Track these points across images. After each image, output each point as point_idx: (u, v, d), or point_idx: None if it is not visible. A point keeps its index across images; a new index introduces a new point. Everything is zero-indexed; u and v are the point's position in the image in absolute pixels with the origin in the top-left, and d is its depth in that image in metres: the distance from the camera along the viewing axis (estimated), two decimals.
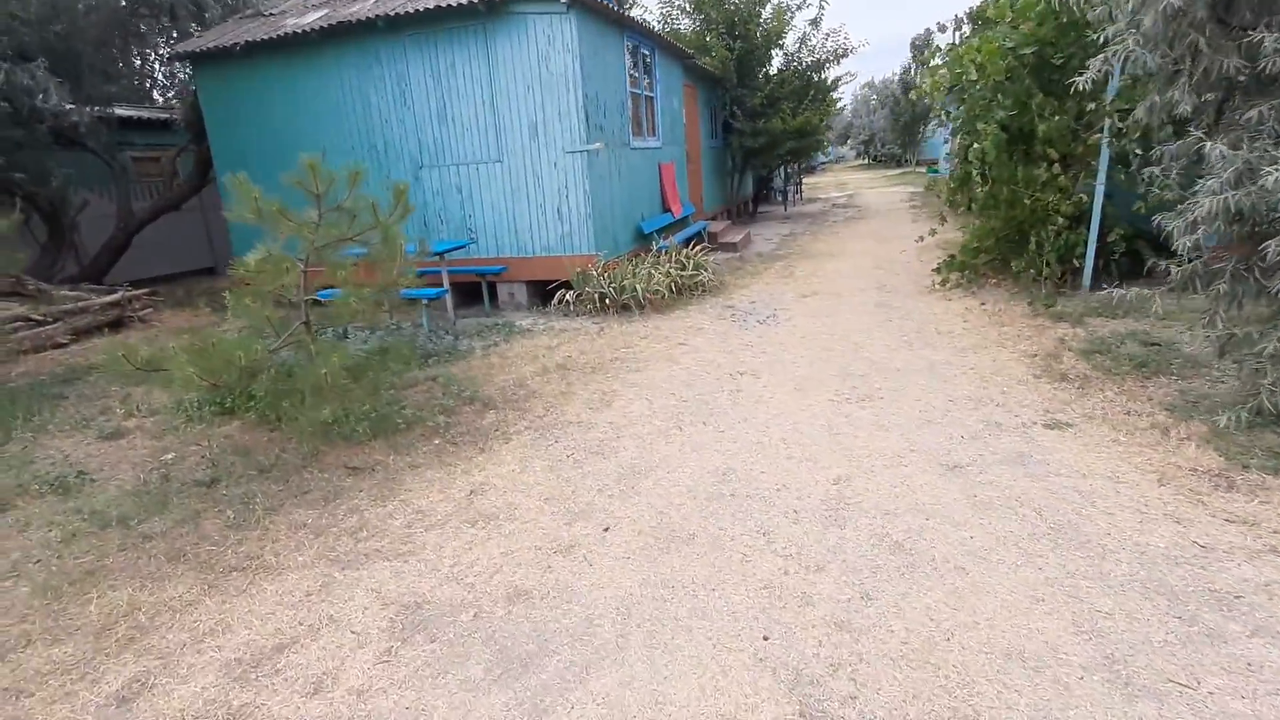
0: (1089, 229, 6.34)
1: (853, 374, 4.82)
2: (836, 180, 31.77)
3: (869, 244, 11.24)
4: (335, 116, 8.09)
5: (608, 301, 6.92)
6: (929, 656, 2.15)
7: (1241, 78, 3.21)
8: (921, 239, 9.61)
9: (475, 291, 8.13)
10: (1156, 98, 3.56)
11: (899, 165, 39.73)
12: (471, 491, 3.39)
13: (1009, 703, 1.96)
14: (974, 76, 6.16)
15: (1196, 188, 3.39)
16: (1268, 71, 3.06)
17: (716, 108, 13.52)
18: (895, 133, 37.61)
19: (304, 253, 3.99)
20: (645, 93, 9.35)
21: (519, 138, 7.44)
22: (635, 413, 4.32)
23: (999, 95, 6.23)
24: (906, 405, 4.20)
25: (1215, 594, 2.33)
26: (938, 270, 8.06)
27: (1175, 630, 2.18)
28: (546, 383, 4.94)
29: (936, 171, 26.74)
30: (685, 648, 2.25)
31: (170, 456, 4.00)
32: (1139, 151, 5.72)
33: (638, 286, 6.86)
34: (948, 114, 9.69)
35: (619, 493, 3.32)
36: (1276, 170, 2.81)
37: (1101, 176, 6.12)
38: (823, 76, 14.31)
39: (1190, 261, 3.65)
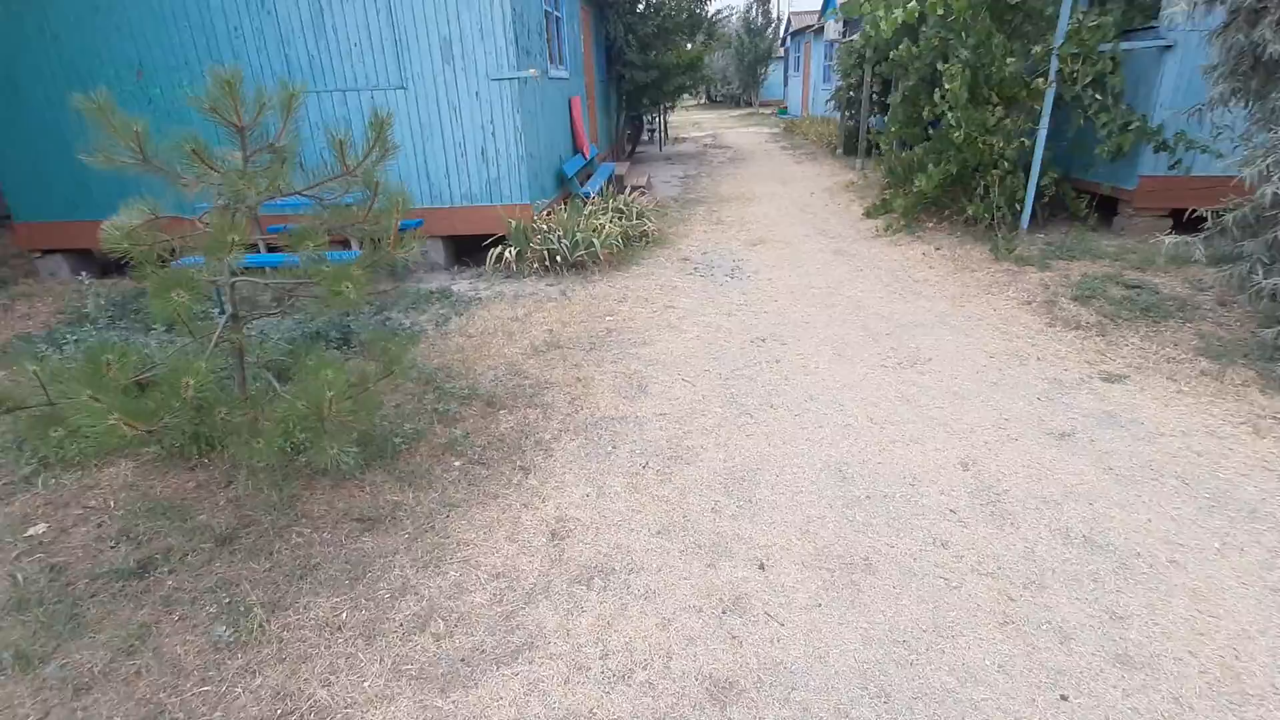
0: (1028, 173, 6.52)
1: (877, 333, 4.50)
2: (689, 120, 31.60)
3: (772, 186, 11.07)
4: (156, 23, 6.02)
5: (558, 259, 5.98)
6: (1242, 686, 1.86)
7: None
8: (852, 183, 9.57)
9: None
10: (1241, 37, 3.44)
11: (738, 106, 40.51)
12: (553, 535, 2.57)
13: None
14: (941, 12, 5.91)
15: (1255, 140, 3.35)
16: None
17: (602, 36, 12.37)
18: (739, 73, 38.10)
19: (230, 212, 2.74)
20: (555, 12, 8.12)
21: (428, 60, 6.04)
22: (682, 399, 3.64)
23: (962, 33, 6.06)
24: (958, 367, 3.95)
25: None
26: (869, 214, 8.07)
27: None
28: (548, 367, 4.05)
29: (785, 113, 27.55)
30: None
31: (41, 530, 2.65)
32: (1098, 96, 5.87)
33: (595, 241, 5.98)
34: (862, 55, 9.59)
35: (738, 511, 2.69)
36: None
37: (1044, 121, 6.25)
38: (703, 8, 13.65)
39: (1235, 210, 3.68)
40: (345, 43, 6.05)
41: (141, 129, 2.60)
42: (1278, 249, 3.55)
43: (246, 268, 3.81)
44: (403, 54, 6.03)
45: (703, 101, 49.15)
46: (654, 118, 17.87)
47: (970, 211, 6.47)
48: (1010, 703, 1.83)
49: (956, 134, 5.91)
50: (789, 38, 28.32)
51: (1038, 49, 6.14)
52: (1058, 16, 6.16)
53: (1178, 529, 2.51)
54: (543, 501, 2.77)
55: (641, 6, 12.04)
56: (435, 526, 2.61)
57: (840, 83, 13.89)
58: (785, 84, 32.34)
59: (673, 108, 18.20)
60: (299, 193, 2.86)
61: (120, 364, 2.35)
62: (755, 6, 35.49)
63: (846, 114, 13.84)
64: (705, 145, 18.69)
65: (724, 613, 2.17)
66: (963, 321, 4.69)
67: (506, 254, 6.08)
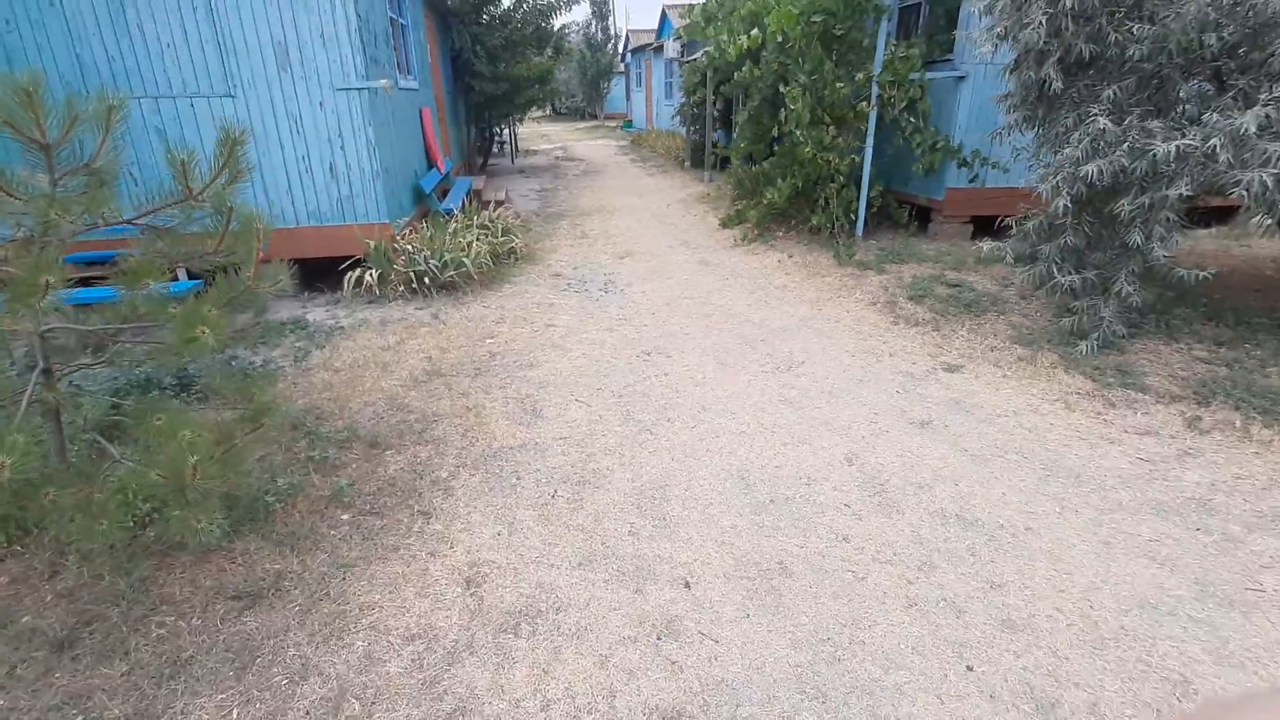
0: (859, 186, 7.25)
1: (752, 339, 4.76)
2: (537, 132, 31.43)
3: (629, 199, 11.33)
4: None
5: (426, 280, 5.66)
6: (1100, 633, 2.18)
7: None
8: (705, 195, 9.98)
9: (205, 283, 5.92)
10: (1030, 74, 4.05)
11: (582, 118, 41.06)
12: (468, 583, 2.41)
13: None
14: (780, 40, 6.39)
15: (1055, 156, 3.99)
16: (1122, 56, 3.67)
17: (448, 47, 11.95)
18: (583, 87, 38.59)
19: (36, 246, 2.28)
20: (400, 19, 7.70)
21: (260, 65, 5.46)
22: (579, 420, 3.59)
23: (799, 59, 6.59)
24: (827, 367, 4.28)
25: (1198, 502, 2.84)
26: (725, 224, 8.51)
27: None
28: (432, 398, 3.82)
29: (630, 126, 28.34)
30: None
31: None
32: (911, 119, 6.65)
33: (465, 260, 5.74)
34: (705, 75, 10.11)
35: (655, 530, 2.70)
36: (1157, 143, 3.40)
37: (870, 140, 6.99)
38: (549, 22, 13.67)
39: (1037, 219, 4.34)
40: (155, 43, 5.31)
41: None
42: (1068, 251, 4.24)
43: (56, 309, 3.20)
44: (228, 57, 5.41)
45: (548, 114, 49.06)
46: (504, 130, 17.58)
47: (814, 221, 7.05)
48: (928, 681, 2.01)
49: (805, 150, 6.41)
50: (629, 54, 29.24)
51: (860, 76, 6.84)
52: (875, 48, 6.93)
53: (1026, 499, 2.90)
54: (450, 547, 2.59)
55: (487, 18, 11.79)
56: (330, 593, 2.35)
57: (685, 99, 14.57)
58: (628, 98, 33.32)
59: (521, 120, 17.97)
60: (129, 221, 2.45)
61: None
62: (595, 23, 36.21)
63: (692, 129, 14.52)
64: (557, 158, 18.70)
65: (659, 639, 2.16)
66: (823, 324, 5.09)
67: (367, 277, 5.65)
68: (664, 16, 23.30)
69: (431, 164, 8.66)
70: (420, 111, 8.35)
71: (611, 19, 36.01)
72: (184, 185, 2.45)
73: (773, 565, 2.50)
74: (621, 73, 35.40)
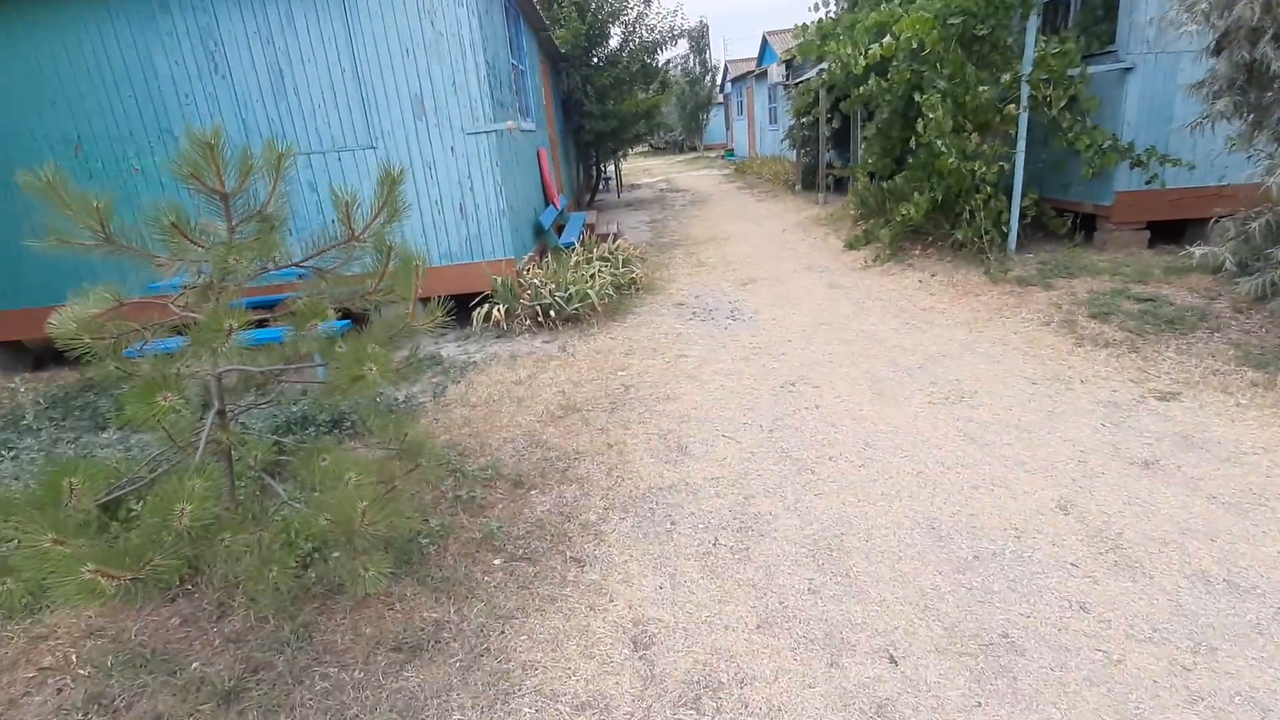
0: (1008, 195, 6.57)
1: (907, 367, 4.29)
2: (638, 167, 32.09)
3: (742, 225, 11.06)
4: (95, 92, 5.57)
5: (552, 313, 5.64)
6: None
7: None
8: (820, 217, 9.57)
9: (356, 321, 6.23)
10: (1242, 54, 3.44)
11: (681, 151, 41.54)
12: (635, 643, 2.16)
13: None
14: (914, 46, 5.97)
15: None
16: None
17: (560, 89, 12.38)
18: (682, 120, 39.16)
19: (215, 292, 2.33)
20: (519, 65, 7.99)
21: (399, 117, 5.74)
22: (730, 458, 3.30)
23: (937, 65, 6.12)
24: (1007, 397, 3.74)
25: None
26: (850, 245, 8.03)
27: None
28: (571, 434, 3.67)
29: (732, 155, 28.25)
30: None
31: None
32: (1076, 117, 5.97)
33: (590, 292, 5.67)
34: (817, 94, 9.77)
35: (840, 589, 2.34)
36: None
37: (1021, 145, 6.33)
38: (654, 59, 13.87)
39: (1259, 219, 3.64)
40: (308, 104, 5.72)
41: (103, 205, 2.19)
42: None
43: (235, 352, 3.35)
44: (370, 112, 5.73)
45: (647, 149, 50.21)
46: (608, 166, 17.98)
47: (959, 236, 6.44)
48: None
49: (948, 160, 5.89)
50: (729, 84, 29.35)
51: (1006, 77, 6.25)
52: (1020, 46, 6.33)
53: None
54: (610, 600, 2.36)
55: (596, 59, 12.13)
56: (490, 647, 2.17)
57: (793, 122, 14.24)
58: (728, 128, 33.39)
59: (625, 156, 18.31)
60: (297, 264, 2.47)
61: (86, 486, 1.90)
62: (693, 56, 36.75)
63: (802, 151, 14.13)
64: (661, 190, 18.84)
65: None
66: (988, 348, 4.53)
67: (495, 312, 5.71)
68: (765, 43, 23.20)
69: (548, 201, 8.84)
70: (538, 152, 8.57)
71: (709, 52, 36.37)
72: (347, 226, 2.45)
73: (995, 639, 2.07)
74: (720, 103, 35.64)
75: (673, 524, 2.79)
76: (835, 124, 10.04)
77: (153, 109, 5.65)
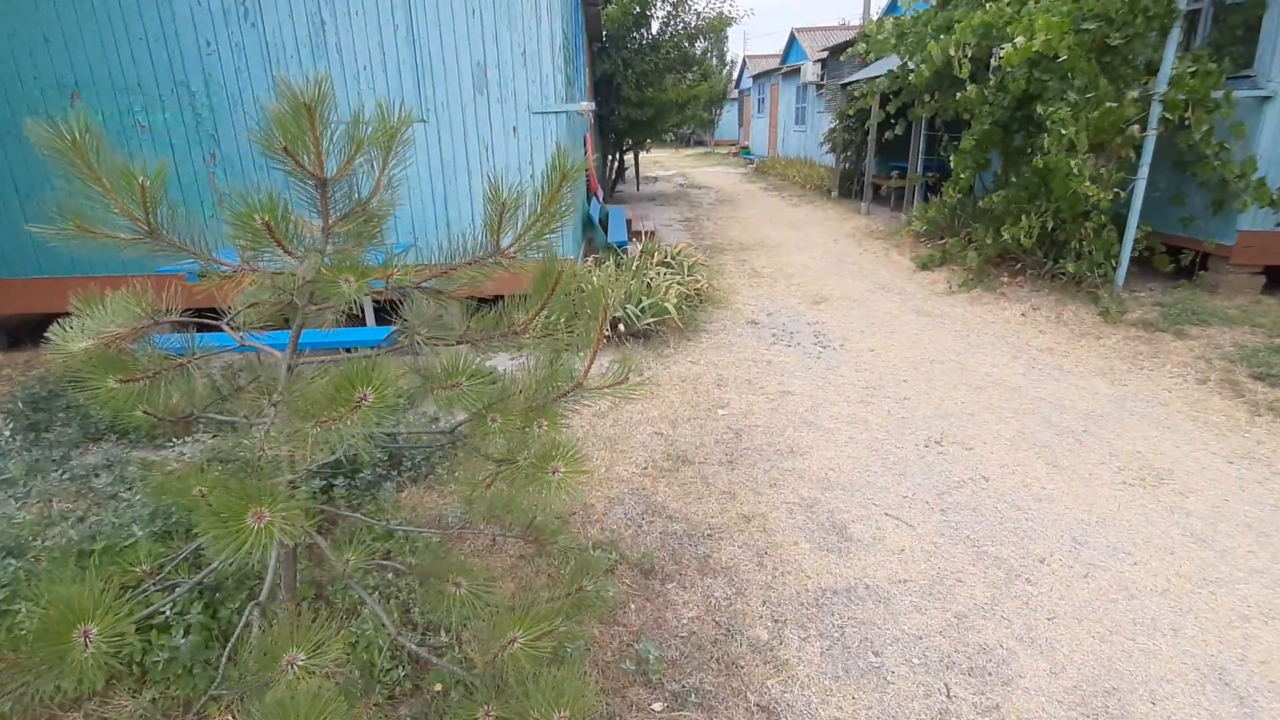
0: (1119, 225, 5.95)
1: (1068, 429, 3.64)
2: (649, 159, 31.16)
3: (784, 231, 10.37)
4: (99, 33, 4.71)
5: (621, 327, 4.91)
6: None
7: None
8: (872, 230, 8.92)
9: (375, 319, 5.46)
10: None
11: (689, 145, 40.70)
12: None
13: None
14: (1045, 52, 5.30)
15: None
16: None
17: (597, 73, 11.56)
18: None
19: (294, 302, 1.60)
20: (576, 40, 7.21)
21: (456, 88, 4.96)
22: (909, 550, 2.62)
23: (1068, 75, 5.46)
24: (1209, 482, 3.11)
25: None
26: (924, 265, 7.39)
27: None
28: (691, 497, 2.96)
29: (749, 154, 27.56)
30: None
31: None
32: (1224, 146, 5.34)
33: (668, 306, 4.95)
34: (879, 95, 9.06)
35: None
36: None
37: (1144, 171, 5.72)
38: (694, 46, 13.10)
39: None
40: (352, 64, 4.91)
41: (151, 183, 1.44)
42: None
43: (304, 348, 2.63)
44: (424, 80, 4.94)
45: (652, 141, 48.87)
46: (629, 157, 17.18)
47: (1070, 268, 5.81)
48: None
49: (1082, 182, 5.23)
50: (749, 80, 28.55)
51: (1133, 93, 5.61)
52: (1148, 62, 5.70)
53: None
54: None
55: (639, 42, 11.33)
56: None
57: (835, 124, 13.55)
58: (742, 125, 32.65)
59: (649, 148, 17.51)
60: (418, 286, 1.75)
61: (105, 628, 1.17)
62: (710, 50, 35.92)
63: (843, 156, 13.47)
64: (681, 185, 18.10)
65: None
66: (1146, 407, 3.90)
67: None
68: (792, 40, 22.49)
69: (590, 193, 8.09)
70: (584, 137, 7.81)
71: (727, 44, 35.54)
72: (494, 236, 1.72)
73: None
74: (735, 99, 34.86)
75: (876, 655, 2.10)
76: (898, 129, 9.37)
77: (166, 56, 4.80)
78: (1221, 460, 3.30)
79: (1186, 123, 5.41)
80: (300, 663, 1.23)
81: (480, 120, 5.07)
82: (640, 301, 4.96)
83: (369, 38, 4.87)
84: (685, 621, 2.23)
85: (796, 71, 19.69)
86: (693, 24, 11.75)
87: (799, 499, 2.95)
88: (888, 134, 9.76)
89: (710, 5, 11.81)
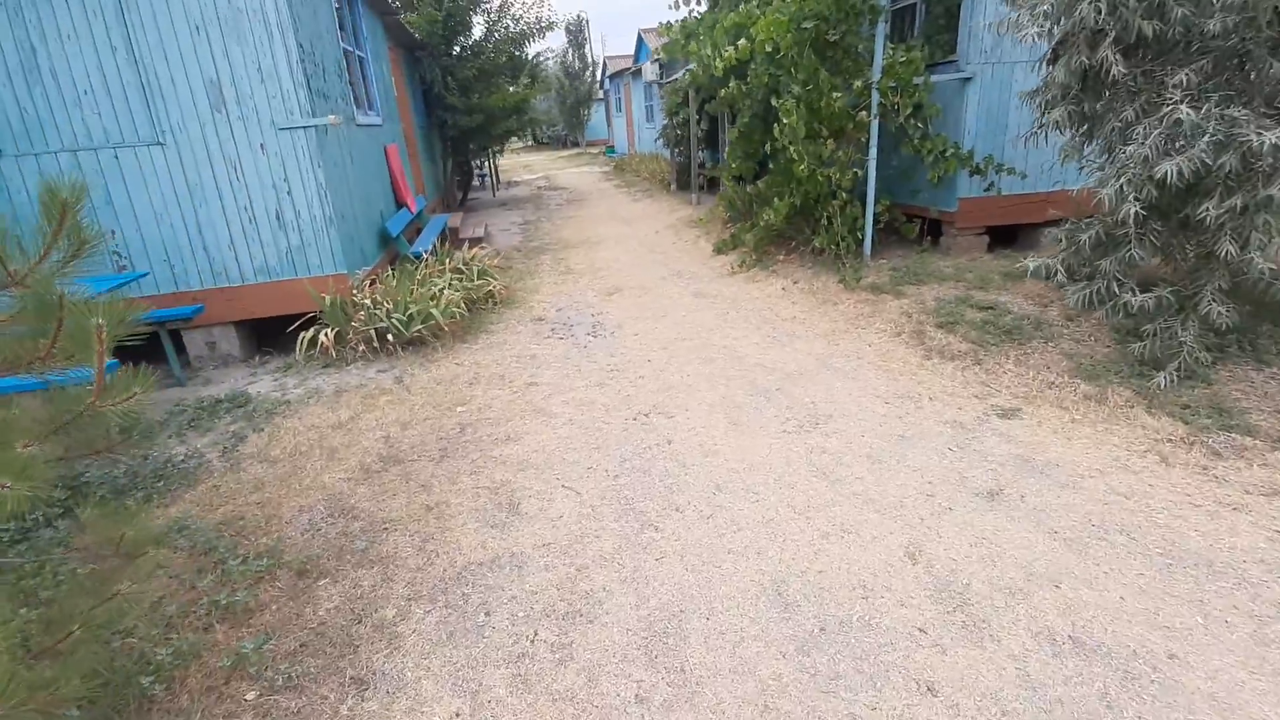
0: (863, 201, 6.64)
1: (765, 389, 4.08)
2: (519, 163, 31.02)
3: (615, 227, 10.74)
4: None
5: (390, 338, 4.99)
6: None
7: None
8: (694, 219, 9.41)
9: (148, 351, 5.23)
10: (1082, 59, 3.44)
11: (565, 146, 40.88)
12: None
13: None
14: (769, 50, 5.82)
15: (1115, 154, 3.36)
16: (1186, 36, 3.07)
17: (417, 80, 11.44)
18: (563, 115, 38.39)
19: None
20: (356, 51, 7.14)
21: (191, 107, 4.84)
22: (567, 516, 2.89)
23: (792, 70, 6.02)
24: (860, 421, 3.60)
25: None
26: (719, 249, 7.90)
27: None
28: (385, 495, 3.11)
29: (613, 152, 27.99)
30: None
31: None
32: (919, 125, 6.06)
33: (434, 311, 5.06)
34: (688, 94, 9.60)
35: (671, 692, 1.99)
36: (1248, 133, 2.78)
37: (873, 151, 6.40)
38: (522, 51, 13.22)
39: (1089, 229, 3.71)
40: (71, 90, 4.69)
41: None
42: (1130, 265, 3.60)
43: None
44: (154, 101, 4.79)
45: (530, 144, 48.87)
46: (483, 163, 17.09)
47: (818, 243, 6.42)
48: None
49: (800, 167, 5.80)
50: (608, 80, 29.01)
51: (858, 84, 6.27)
52: (870, 54, 6.38)
53: (1154, 606, 2.21)
54: None
55: (458, 50, 11.30)
56: None
57: (666, 121, 14.09)
58: (609, 124, 33.10)
59: (501, 152, 17.46)
60: None
61: None
62: (571, 51, 36.07)
63: (676, 151, 14.03)
64: (540, 188, 18.22)
65: None
66: (844, 363, 4.43)
67: (322, 337, 4.97)
68: (640, 41, 23.03)
69: (400, 204, 8.05)
70: (385, 149, 7.76)
71: (588, 46, 35.89)
72: (2, 266, 1.78)
73: None
74: (601, 99, 35.26)
75: (487, 615, 2.34)
76: (705, 125, 9.93)
77: None
78: (880, 402, 3.82)
79: (896, 107, 6.11)
80: None
81: (224, 139, 4.97)
82: (407, 310, 5.05)
83: (86, 62, 4.67)
84: (320, 614, 2.38)
85: (642, 71, 20.24)
86: (513, 29, 11.85)
87: (489, 484, 3.17)
88: (694, 128, 10.29)
89: (528, 9, 11.94)
